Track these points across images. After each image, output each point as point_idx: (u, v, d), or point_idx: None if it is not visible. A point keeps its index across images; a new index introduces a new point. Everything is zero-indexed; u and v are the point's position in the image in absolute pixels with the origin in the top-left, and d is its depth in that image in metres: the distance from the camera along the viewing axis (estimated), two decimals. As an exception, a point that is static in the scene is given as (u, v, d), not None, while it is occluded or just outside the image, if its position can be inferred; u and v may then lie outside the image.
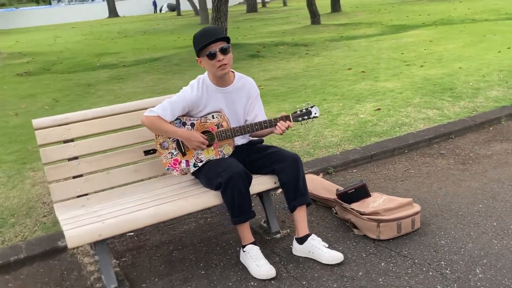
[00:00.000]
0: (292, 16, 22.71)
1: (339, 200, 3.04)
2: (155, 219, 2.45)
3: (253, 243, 2.61)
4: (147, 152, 2.79)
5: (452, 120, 4.64)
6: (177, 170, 2.70)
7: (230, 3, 11.58)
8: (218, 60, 2.55)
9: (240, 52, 9.93)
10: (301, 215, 2.68)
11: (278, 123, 2.62)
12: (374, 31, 12.36)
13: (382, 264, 2.53)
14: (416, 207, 2.84)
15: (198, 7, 24.80)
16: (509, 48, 7.73)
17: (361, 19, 16.63)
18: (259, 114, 2.86)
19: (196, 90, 2.65)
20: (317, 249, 2.59)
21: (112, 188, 2.80)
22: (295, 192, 2.64)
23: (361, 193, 3.05)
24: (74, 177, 2.72)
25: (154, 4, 50.55)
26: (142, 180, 2.90)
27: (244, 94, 2.78)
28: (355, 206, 2.95)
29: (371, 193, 3.06)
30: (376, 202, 2.94)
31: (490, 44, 8.45)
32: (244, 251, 2.60)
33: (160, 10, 50.36)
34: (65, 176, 2.71)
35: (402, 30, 11.81)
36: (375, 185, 3.54)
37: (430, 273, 2.40)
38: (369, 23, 14.64)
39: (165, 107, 2.60)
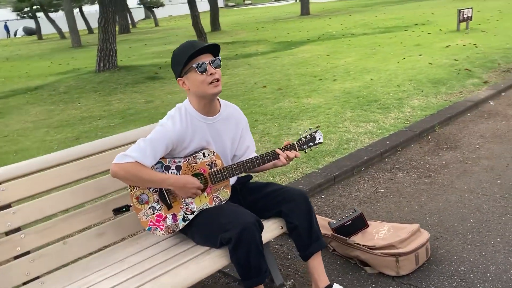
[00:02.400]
0: (171, 36, 22.20)
1: (339, 235, 2.68)
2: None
3: (269, 306, 2.12)
4: (118, 211, 2.14)
5: (392, 132, 4.60)
6: (161, 229, 2.11)
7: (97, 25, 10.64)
8: (211, 74, 2.04)
9: (135, 74, 9.18)
10: (318, 263, 2.25)
11: (282, 154, 2.19)
12: (265, 49, 12.42)
13: (419, 306, 2.22)
14: (425, 233, 2.60)
15: (65, 29, 22.86)
16: (404, 58, 8.19)
17: (245, 37, 16.76)
18: (250, 145, 2.40)
19: (180, 123, 2.09)
20: (345, 300, 2.19)
21: (74, 261, 2.10)
22: (309, 237, 2.22)
23: (359, 223, 2.73)
24: (17, 257, 1.97)
25: (6, 28, 46.08)
26: (108, 245, 2.23)
27: (232, 124, 2.29)
28: (358, 240, 2.62)
29: (368, 221, 2.76)
30: (381, 232, 2.64)
31: (383, 55, 8.90)
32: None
33: (15, 34, 46.14)
34: (5, 257, 1.95)
35: (292, 47, 12.04)
36: (354, 210, 3.25)
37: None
38: (256, 41, 14.75)
39: (142, 148, 2.00)
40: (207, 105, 2.16)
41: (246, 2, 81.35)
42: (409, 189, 3.52)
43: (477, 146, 4.23)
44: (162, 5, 40.05)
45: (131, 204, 2.10)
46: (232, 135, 2.29)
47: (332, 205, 3.39)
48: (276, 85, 7.10)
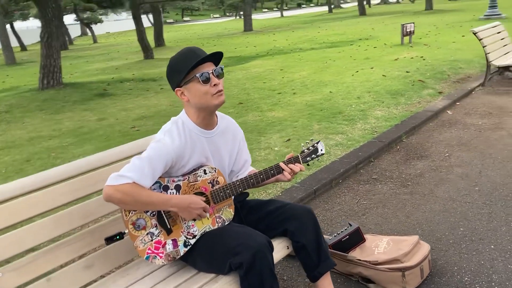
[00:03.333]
0: (113, 52, 21.56)
1: (338, 252, 2.55)
2: None
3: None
4: (110, 240, 1.89)
5: (362, 143, 4.59)
6: (161, 257, 1.89)
7: (34, 40, 9.94)
8: (214, 84, 1.88)
9: (82, 91, 8.72)
10: (328, 284, 2.11)
11: (286, 169, 2.04)
12: (215, 63, 12.27)
13: (433, 321, 2.12)
14: (426, 245, 2.54)
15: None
16: (357, 71, 8.34)
17: (192, 52, 16.53)
18: (248, 159, 2.24)
19: (178, 138, 1.90)
20: (359, 322, 2.06)
21: (60, 302, 1.83)
22: (318, 256, 2.07)
23: (356, 238, 2.63)
24: (-6, 301, 1.68)
25: None
26: (96, 280, 1.97)
27: (230, 137, 2.13)
28: (357, 255, 2.51)
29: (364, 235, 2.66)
30: (380, 246, 2.54)
31: (336, 69, 9.03)
32: None
33: None
34: (-21, 302, 1.65)
35: (243, 61, 11.99)
36: (342, 224, 3.15)
37: (491, 321, 2.09)
38: (204, 56, 14.58)
39: (139, 168, 1.79)
40: (207, 118, 1.98)
41: (184, 18, 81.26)
42: (392, 199, 3.48)
43: (447, 154, 4.29)
44: (100, 21, 38.92)
45: (126, 231, 1.87)
46: (230, 149, 2.13)
47: (318, 220, 3.26)
48: (236, 100, 6.97)
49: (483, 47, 6.58)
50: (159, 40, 19.88)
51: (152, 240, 1.88)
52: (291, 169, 2.04)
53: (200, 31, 35.40)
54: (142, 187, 1.77)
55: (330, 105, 6.03)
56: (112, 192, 1.75)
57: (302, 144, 2.16)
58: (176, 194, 1.90)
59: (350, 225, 2.66)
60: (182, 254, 1.92)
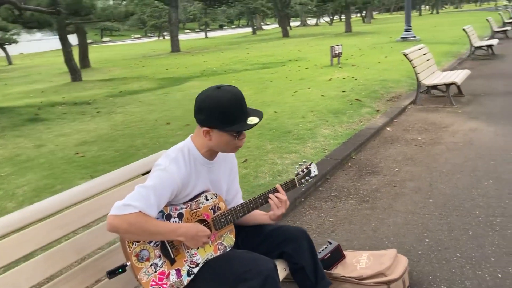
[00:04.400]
0: (33, 74, 20.47)
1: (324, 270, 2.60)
2: None
3: None
4: (113, 273, 1.79)
5: (316, 162, 4.73)
6: (165, 288, 1.82)
7: None
8: (242, 139, 1.90)
9: (11, 116, 8.18)
10: (325, 302, 2.15)
11: (271, 198, 2.05)
12: (150, 85, 12.08)
13: (423, 330, 2.23)
14: (403, 257, 2.67)
15: None
16: (296, 92, 8.60)
17: (121, 74, 16.16)
18: (239, 189, 2.24)
19: (184, 167, 1.87)
20: (358, 337, 2.11)
21: None
22: (315, 277, 2.12)
23: (337, 255, 2.70)
24: None
25: None
26: (95, 317, 1.86)
27: (228, 166, 2.13)
28: (340, 272, 2.59)
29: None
30: (362, 261, 2.64)
31: (275, 89, 9.24)
32: None
33: None
34: None
35: (179, 82, 11.90)
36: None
37: (475, 324, 2.24)
38: (136, 78, 14.31)
39: (145, 197, 1.73)
40: (214, 152, 1.97)
41: (104, 39, 79.27)
42: (355, 215, 3.62)
43: (396, 169, 4.55)
44: (15, 41, 36.73)
45: (128, 263, 1.79)
46: (227, 179, 2.12)
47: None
48: (182, 121, 6.89)
49: (414, 67, 7.09)
50: (84, 61, 19.18)
51: (156, 272, 1.81)
52: (277, 197, 2.05)
53: (124, 52, 34.67)
54: (149, 217, 1.72)
55: (278, 124, 6.16)
56: (118, 222, 1.68)
57: (296, 166, 2.20)
58: (178, 222, 1.86)
59: (330, 243, 2.73)
60: (185, 284, 1.87)
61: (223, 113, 1.81)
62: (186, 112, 7.66)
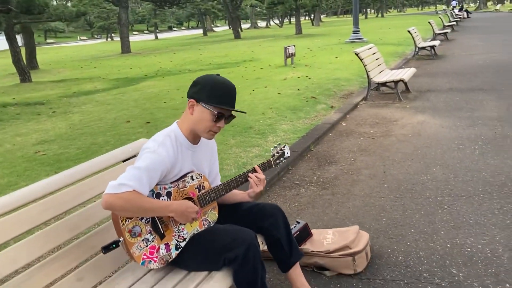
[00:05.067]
0: (-23, 75, 19.54)
1: (293, 247, 2.82)
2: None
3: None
4: (107, 249, 1.92)
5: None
6: (155, 261, 1.98)
7: None
8: (218, 126, 2.05)
9: (-40, 118, 7.89)
10: (299, 272, 2.38)
11: (250, 177, 2.26)
12: (104, 85, 11.94)
13: (385, 294, 2.50)
14: (365, 233, 2.93)
15: None
16: (253, 90, 8.83)
17: (71, 75, 15.81)
18: (218, 172, 2.42)
19: (172, 150, 2.02)
20: (329, 301, 2.34)
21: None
22: (290, 248, 2.33)
23: (305, 233, 2.93)
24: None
25: None
26: (89, 291, 1.98)
27: (209, 151, 2.30)
28: (310, 247, 2.81)
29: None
30: (328, 238, 2.88)
31: (232, 88, 9.42)
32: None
33: None
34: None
35: (134, 83, 11.84)
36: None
37: (429, 287, 2.52)
38: (88, 78, 14.07)
39: (138, 177, 1.87)
40: (196, 136, 2.14)
41: (48, 40, 76.59)
42: (318, 200, 3.87)
43: (352, 159, 4.86)
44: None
45: (121, 239, 1.93)
46: (209, 162, 2.29)
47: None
48: (141, 120, 6.95)
49: (365, 66, 7.50)
50: (32, 62, 18.55)
51: (147, 246, 1.96)
52: (256, 176, 2.26)
53: (72, 53, 33.73)
54: (142, 195, 1.86)
55: (239, 121, 6.36)
56: (114, 200, 1.81)
57: (272, 148, 2.41)
58: (167, 200, 2.01)
59: (298, 222, 2.96)
60: (174, 257, 2.03)
61: (212, 89, 2.01)
62: (145, 111, 7.71)
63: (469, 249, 2.87)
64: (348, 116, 6.86)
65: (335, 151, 5.18)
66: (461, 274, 2.61)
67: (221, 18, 76.79)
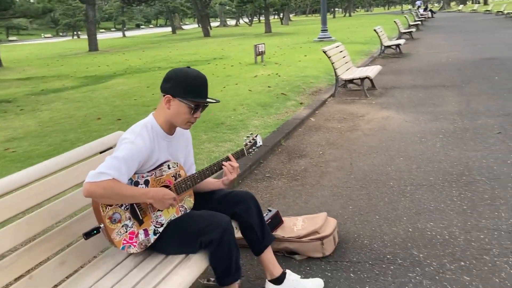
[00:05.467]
0: None
1: (265, 233, 2.96)
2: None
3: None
4: (88, 235, 2.01)
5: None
6: (135, 246, 2.08)
7: None
8: (195, 117, 2.16)
9: None
10: (271, 255, 2.51)
11: (224, 165, 2.39)
12: (73, 83, 11.80)
13: (352, 275, 2.66)
14: (332, 219, 3.10)
15: None
16: (225, 87, 8.94)
17: (38, 73, 15.51)
18: (193, 162, 2.53)
19: (149, 140, 2.12)
20: (299, 282, 2.49)
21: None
22: (262, 232, 2.46)
23: (276, 220, 3.07)
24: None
25: None
26: (72, 274, 2.06)
27: (184, 140, 2.42)
28: (281, 234, 2.96)
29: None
30: (298, 224, 3.03)
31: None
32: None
33: None
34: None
35: (103, 80, 11.76)
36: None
37: (392, 267, 2.71)
38: (56, 76, 13.85)
39: (117, 166, 1.96)
40: (172, 127, 2.24)
41: (10, 38, 74.49)
42: (288, 191, 4.03)
43: (321, 152, 5.04)
44: None
45: (101, 225, 2.02)
46: (184, 153, 2.40)
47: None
48: (112, 117, 6.96)
49: (332, 63, 7.72)
50: (-5, 60, 18.10)
51: (126, 232, 2.06)
52: (230, 165, 2.39)
53: (37, 51, 32.97)
54: (121, 183, 1.96)
55: (211, 117, 6.46)
56: (94, 188, 1.90)
57: (245, 138, 2.54)
58: (145, 188, 2.11)
59: (270, 210, 3.10)
60: (152, 242, 2.14)
61: (187, 85, 2.10)
62: (115, 108, 7.71)
63: (429, 233, 3.08)
64: (317, 112, 7.06)
65: (305, 145, 5.36)
66: (421, 255, 2.81)
67: (190, 16, 76.37)
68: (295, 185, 4.16)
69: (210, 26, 51.44)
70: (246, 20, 69.36)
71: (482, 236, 2.97)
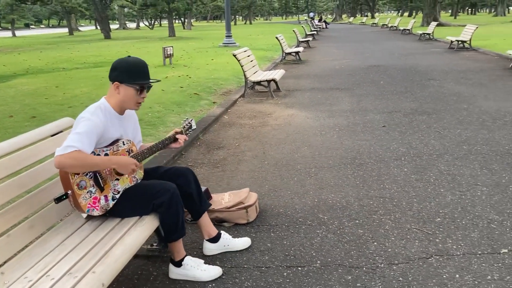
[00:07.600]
0: None
1: (197, 206, 3.44)
2: (130, 252, 2.25)
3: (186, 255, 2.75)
4: (59, 199, 2.34)
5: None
6: (97, 209, 2.47)
7: None
8: (143, 97, 2.57)
9: None
10: (207, 219, 3.01)
11: (181, 138, 2.86)
12: (-32, 82, 11.15)
13: (272, 234, 3.25)
14: (254, 193, 3.67)
15: None
16: (137, 87, 9.15)
17: None
18: (141, 140, 2.93)
19: (103, 117, 2.51)
20: (231, 240, 3.02)
21: (17, 253, 2.21)
22: (200, 200, 2.95)
23: (206, 196, 3.56)
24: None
25: None
26: (39, 237, 2.39)
27: (132, 120, 2.82)
28: (212, 206, 3.46)
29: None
30: (225, 198, 3.56)
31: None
32: (182, 265, 2.70)
33: None
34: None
35: (4, 80, 11.26)
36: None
37: (304, 227, 3.34)
38: None
39: (80, 139, 2.33)
40: (122, 108, 2.64)
41: None
42: (211, 177, 4.53)
43: (237, 144, 5.61)
44: None
45: (69, 192, 2.37)
46: (132, 130, 2.81)
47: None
48: (25, 114, 6.91)
49: (242, 66, 8.36)
50: None
51: (90, 197, 2.43)
52: (181, 137, 2.87)
53: None
54: (87, 153, 2.33)
55: (128, 115, 6.72)
56: (64, 159, 2.25)
57: (182, 121, 3.00)
58: (109, 156, 2.49)
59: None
60: (111, 206, 2.53)
61: (130, 71, 2.52)
62: (26, 106, 7.62)
63: (330, 202, 3.78)
64: (229, 110, 7.64)
65: (221, 139, 5.90)
66: (325, 217, 3.49)
67: (87, 17, 73.28)
68: (216, 171, 4.68)
69: (110, 28, 49.99)
70: (147, 23, 68.30)
71: (371, 202, 3.73)
